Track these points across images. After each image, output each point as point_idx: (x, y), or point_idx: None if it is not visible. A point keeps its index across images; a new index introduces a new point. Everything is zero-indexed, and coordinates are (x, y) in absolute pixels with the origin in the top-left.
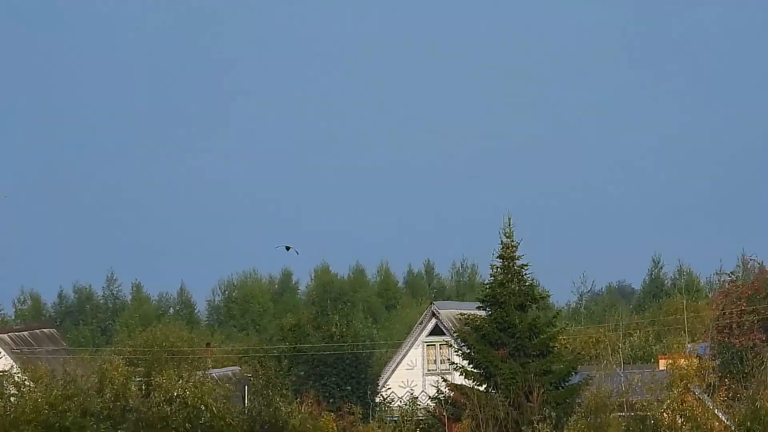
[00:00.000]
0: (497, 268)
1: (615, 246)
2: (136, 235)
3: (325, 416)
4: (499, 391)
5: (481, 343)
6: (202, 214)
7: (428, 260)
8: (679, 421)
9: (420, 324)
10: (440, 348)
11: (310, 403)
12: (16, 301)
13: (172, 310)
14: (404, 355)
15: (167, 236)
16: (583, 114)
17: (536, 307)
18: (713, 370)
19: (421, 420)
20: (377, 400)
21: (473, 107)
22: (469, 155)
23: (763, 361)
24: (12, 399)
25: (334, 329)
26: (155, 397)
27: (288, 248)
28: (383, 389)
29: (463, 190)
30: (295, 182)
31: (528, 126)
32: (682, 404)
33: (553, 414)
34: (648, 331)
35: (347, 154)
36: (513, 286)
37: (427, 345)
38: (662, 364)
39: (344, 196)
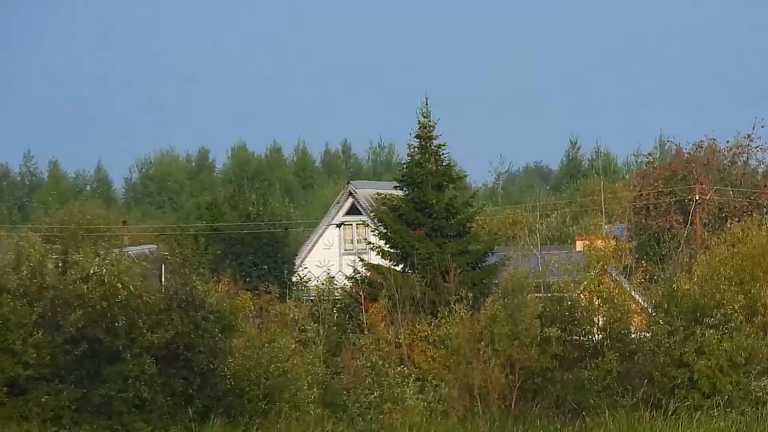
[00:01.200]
0: (414, 147)
1: (532, 127)
2: (53, 111)
3: (241, 295)
4: (416, 272)
5: (398, 223)
6: (120, 91)
7: (345, 139)
8: (596, 303)
9: (337, 203)
10: (357, 228)
11: (227, 282)
12: None
13: (89, 188)
14: (321, 235)
15: (84, 114)
16: None
17: (453, 188)
18: (630, 251)
19: (338, 299)
20: (294, 279)
21: None
22: (385, 33)
23: (679, 243)
24: None
25: (251, 208)
26: (72, 274)
27: None
28: (300, 269)
29: (381, 69)
30: (213, 61)
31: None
32: (598, 286)
33: (470, 294)
34: (565, 212)
35: None
36: (430, 166)
37: (344, 224)
38: (579, 245)
39: (261, 74)
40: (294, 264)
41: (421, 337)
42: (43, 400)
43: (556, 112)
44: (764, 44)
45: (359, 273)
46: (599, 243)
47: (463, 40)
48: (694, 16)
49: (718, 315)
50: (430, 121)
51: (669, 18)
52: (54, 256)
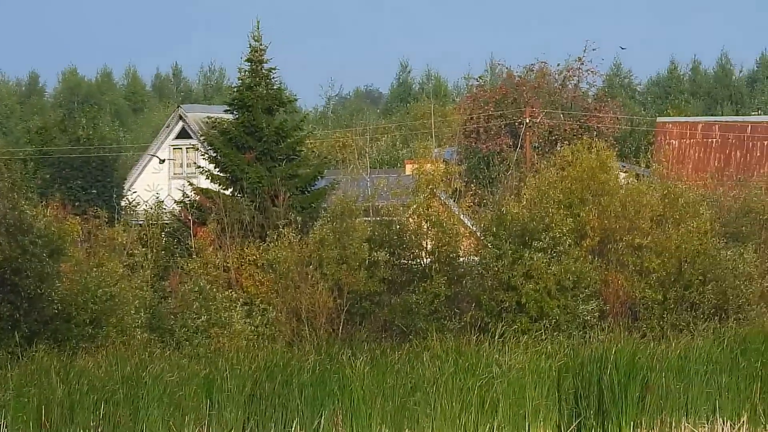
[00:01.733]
0: (245, 71)
1: (362, 50)
2: None
3: (70, 220)
4: (245, 196)
5: (227, 147)
6: None
7: (176, 63)
8: (425, 226)
9: (167, 127)
10: (187, 151)
11: (56, 206)
12: None
13: None
14: (150, 159)
15: None
16: None
17: (284, 111)
18: (459, 175)
19: (167, 224)
20: (123, 203)
21: None
22: None
23: (509, 166)
24: None
25: (80, 132)
26: None
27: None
28: (129, 193)
29: None
30: None
31: None
32: (428, 209)
33: (299, 219)
34: (395, 135)
35: None
36: (261, 90)
37: (174, 148)
38: (408, 169)
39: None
40: (123, 188)
41: (249, 261)
42: None
43: (388, 36)
44: None
45: (188, 197)
46: (428, 166)
47: None
48: None
49: (547, 239)
50: (261, 44)
51: None
52: None
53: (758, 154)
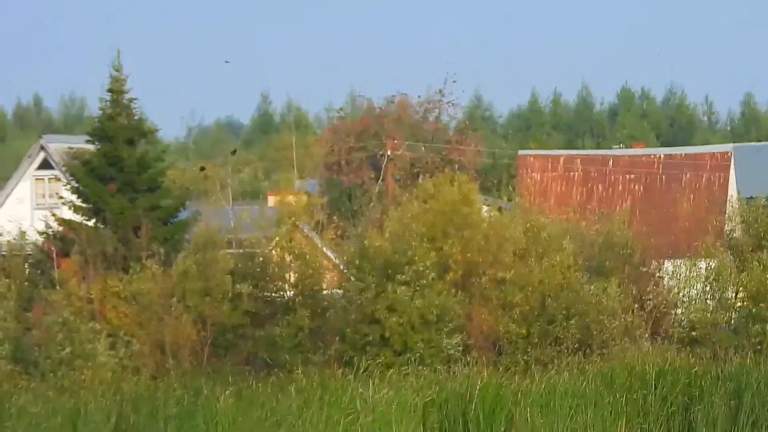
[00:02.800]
0: (106, 101)
1: (225, 81)
2: None
3: None
4: (108, 227)
5: (89, 178)
6: None
7: (36, 93)
8: (288, 259)
9: (29, 157)
10: (50, 182)
11: None
12: None
13: None
14: (12, 189)
15: None
16: None
17: (145, 142)
18: (322, 207)
19: (30, 255)
20: None
21: None
22: None
23: (371, 199)
24: None
25: None
26: None
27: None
28: None
29: (73, 24)
30: None
31: None
32: (290, 242)
33: (162, 250)
34: (257, 166)
35: None
36: (122, 121)
37: (36, 179)
38: (271, 200)
39: None
40: None
41: (112, 293)
42: None
43: (249, 68)
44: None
45: (51, 228)
46: (291, 198)
47: None
48: None
49: (410, 272)
50: (121, 74)
51: None
52: None
53: (620, 188)
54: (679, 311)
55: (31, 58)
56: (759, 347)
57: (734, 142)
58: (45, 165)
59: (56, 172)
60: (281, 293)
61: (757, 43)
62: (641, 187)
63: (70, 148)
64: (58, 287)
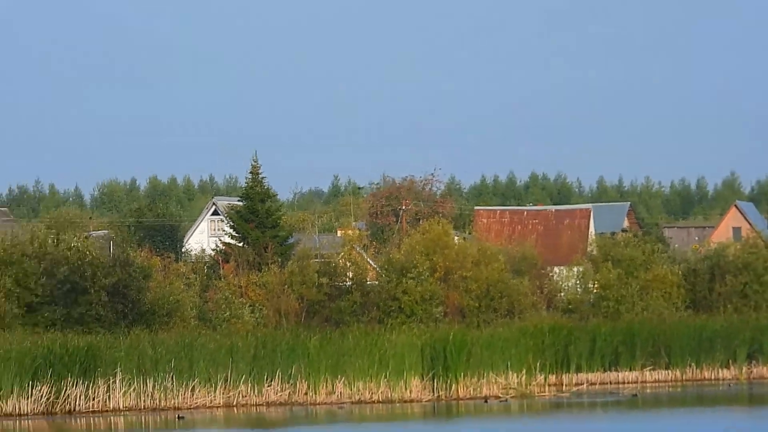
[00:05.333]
0: (249, 179)
1: (315, 170)
2: None
3: (153, 258)
4: (250, 246)
5: (239, 220)
6: None
7: (211, 174)
8: (348, 264)
9: (206, 209)
10: (218, 222)
11: (145, 251)
12: None
13: (71, 199)
14: (197, 226)
15: None
16: None
17: (270, 200)
18: (366, 237)
19: (207, 261)
20: (183, 250)
21: None
22: None
23: (393, 233)
24: None
25: (159, 210)
26: (61, 246)
27: None
28: (186, 244)
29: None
30: None
31: None
32: (349, 255)
33: (279, 259)
34: (331, 215)
35: None
36: (257, 188)
37: (210, 220)
38: (339, 233)
39: None
40: (183, 241)
41: (252, 282)
42: (45, 314)
43: (326, 163)
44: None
45: (218, 247)
46: (350, 232)
47: None
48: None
49: (415, 272)
50: (257, 163)
51: None
52: (51, 236)
53: (530, 227)
54: (562, 294)
55: (209, 153)
56: (606, 313)
57: (593, 203)
58: (215, 212)
59: (221, 217)
60: (344, 283)
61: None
62: (542, 227)
63: (230, 204)
64: (222, 279)
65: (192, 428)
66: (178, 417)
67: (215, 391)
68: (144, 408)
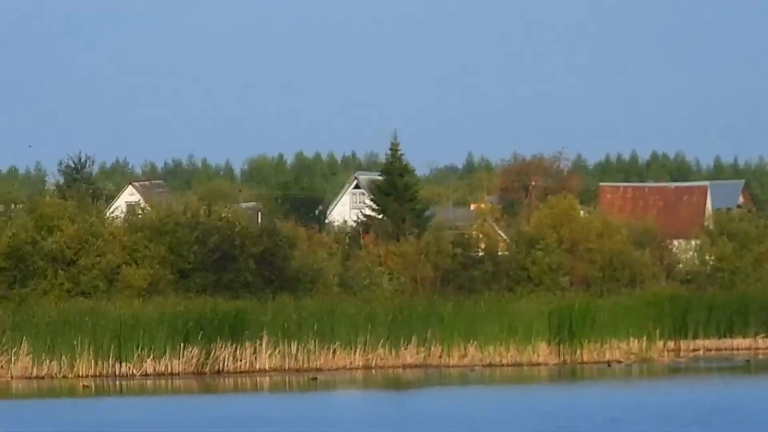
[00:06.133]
0: (389, 155)
1: (453, 144)
2: None
3: (298, 228)
4: (388, 219)
5: (379, 193)
6: None
7: (353, 149)
8: (481, 236)
9: (348, 183)
10: (359, 196)
11: (291, 222)
12: (141, 165)
13: (221, 173)
14: (340, 199)
15: None
16: None
17: (408, 175)
18: (498, 210)
19: (348, 232)
20: (326, 221)
21: None
22: None
23: (523, 206)
24: (139, 215)
25: (304, 184)
26: (213, 216)
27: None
28: (329, 216)
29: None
30: None
31: None
32: (482, 227)
33: (416, 230)
34: (465, 189)
35: None
36: (396, 164)
37: (352, 194)
38: (473, 206)
39: None
40: (326, 213)
41: (391, 252)
42: (197, 281)
43: (461, 137)
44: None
45: (359, 219)
46: (482, 206)
47: None
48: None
49: (543, 243)
50: (396, 141)
51: None
52: (203, 207)
53: (651, 203)
54: (680, 265)
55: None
56: (721, 284)
57: (709, 180)
58: (356, 186)
59: (362, 190)
60: (476, 253)
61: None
62: (662, 202)
63: (370, 178)
64: (362, 249)
65: (324, 389)
66: (312, 378)
67: (354, 354)
68: (288, 369)
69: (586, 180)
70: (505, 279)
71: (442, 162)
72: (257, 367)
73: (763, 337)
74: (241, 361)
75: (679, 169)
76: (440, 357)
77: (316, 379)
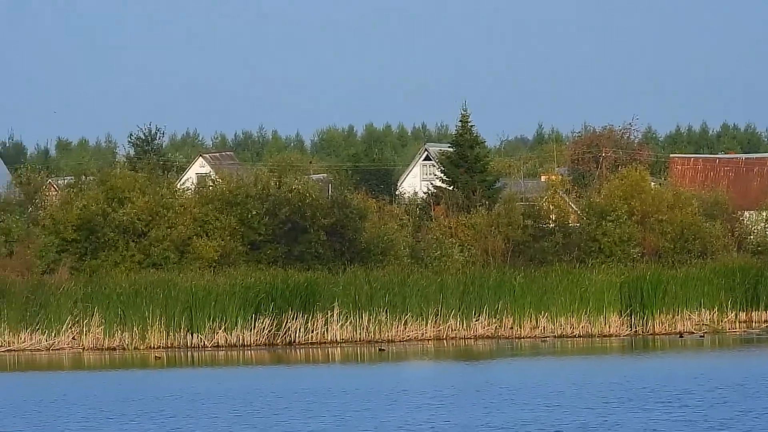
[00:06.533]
0: (459, 126)
1: (523, 116)
2: None
3: (369, 199)
4: (459, 190)
5: (450, 165)
6: None
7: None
8: (552, 207)
9: (418, 154)
10: (429, 167)
11: (362, 194)
12: (212, 137)
13: (292, 144)
14: (410, 170)
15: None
16: None
17: (478, 147)
18: (569, 182)
19: (419, 204)
20: (396, 193)
21: None
22: None
23: (594, 178)
24: (209, 187)
25: (375, 156)
26: (283, 188)
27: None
28: (400, 187)
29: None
30: None
31: None
32: (553, 198)
33: (486, 202)
34: (535, 161)
35: None
36: (466, 135)
37: (422, 165)
38: (543, 178)
39: None
40: (396, 185)
41: (461, 223)
42: (268, 252)
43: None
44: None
45: (430, 190)
46: (553, 177)
47: None
48: None
49: (614, 215)
50: (467, 113)
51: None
52: (274, 179)
53: (722, 174)
54: (751, 237)
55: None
56: None
57: None
58: (427, 158)
59: (433, 162)
60: (547, 225)
61: None
62: (733, 174)
63: (441, 150)
64: (433, 220)
65: (394, 360)
66: (380, 349)
67: (426, 325)
68: (359, 340)
69: (656, 151)
70: (575, 250)
71: (512, 133)
72: (328, 338)
73: None
74: (312, 332)
75: (750, 141)
76: (511, 328)
77: (383, 350)
